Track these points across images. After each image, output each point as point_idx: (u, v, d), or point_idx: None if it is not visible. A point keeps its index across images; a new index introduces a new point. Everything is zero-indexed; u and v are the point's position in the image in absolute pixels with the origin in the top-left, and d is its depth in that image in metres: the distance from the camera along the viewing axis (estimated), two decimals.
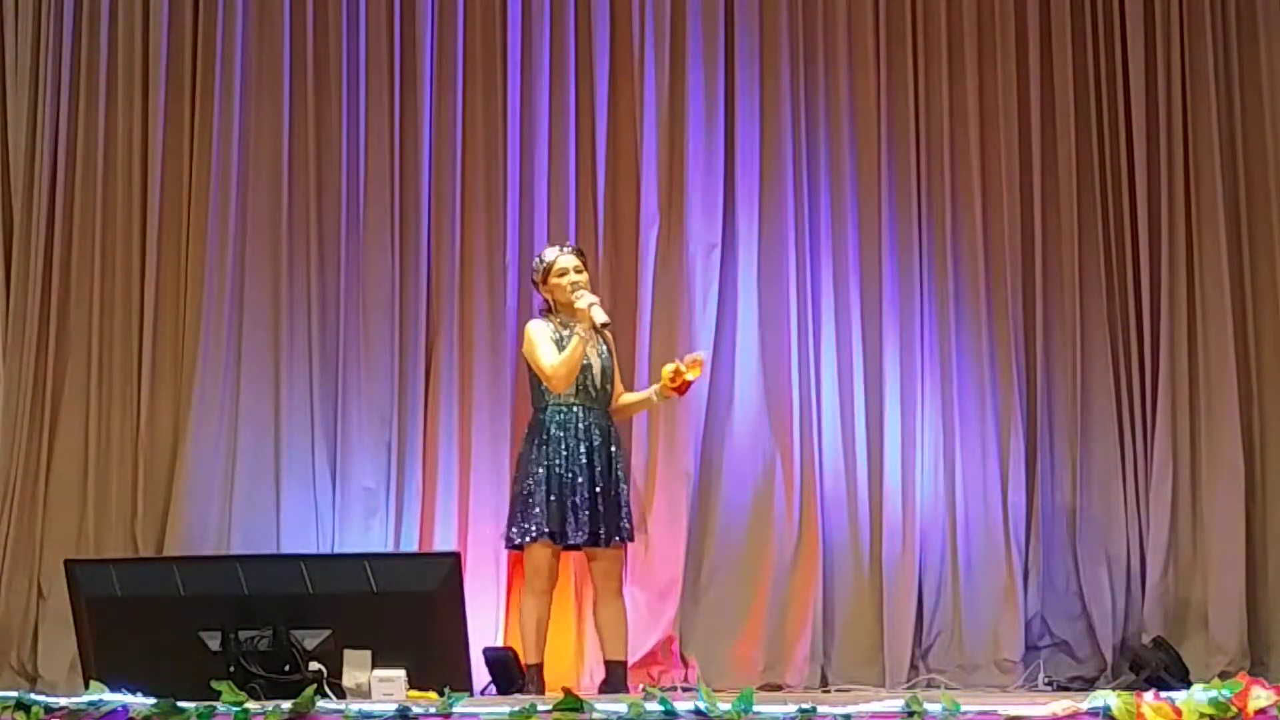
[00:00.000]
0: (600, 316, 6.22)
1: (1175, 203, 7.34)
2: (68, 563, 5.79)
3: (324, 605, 5.46)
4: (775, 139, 7.46)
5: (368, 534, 7.23)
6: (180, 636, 5.37)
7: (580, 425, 6.26)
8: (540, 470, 6.20)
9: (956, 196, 7.44)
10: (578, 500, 6.17)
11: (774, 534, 7.23)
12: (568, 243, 6.64)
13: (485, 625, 6.85)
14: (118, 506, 7.29)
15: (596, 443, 6.26)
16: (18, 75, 7.52)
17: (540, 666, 6.23)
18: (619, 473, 6.29)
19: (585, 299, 6.25)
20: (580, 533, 6.17)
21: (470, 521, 7.27)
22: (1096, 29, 7.46)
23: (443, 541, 7.16)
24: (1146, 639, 6.93)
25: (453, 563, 5.67)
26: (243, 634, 5.35)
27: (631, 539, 6.40)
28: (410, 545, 7.18)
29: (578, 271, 6.36)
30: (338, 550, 7.10)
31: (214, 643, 5.36)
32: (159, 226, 7.42)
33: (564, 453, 6.22)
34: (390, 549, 7.13)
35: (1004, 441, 7.28)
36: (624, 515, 6.28)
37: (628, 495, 6.35)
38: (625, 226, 7.47)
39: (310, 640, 5.38)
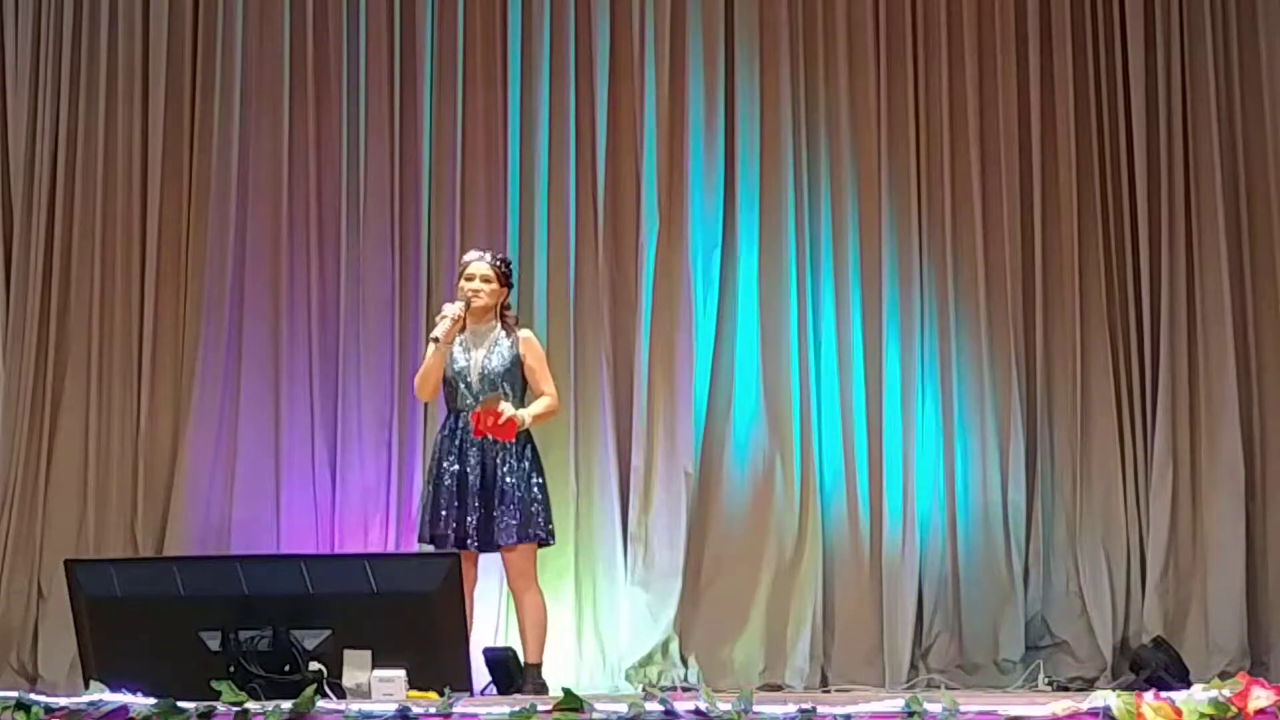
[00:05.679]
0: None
1: (1175, 203, 7.34)
2: (68, 563, 5.77)
3: (324, 605, 5.43)
4: (775, 139, 7.47)
5: (368, 534, 7.24)
6: (180, 636, 5.35)
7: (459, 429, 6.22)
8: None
9: (956, 196, 7.44)
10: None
11: (774, 534, 7.24)
12: (490, 251, 6.41)
13: (485, 625, 6.86)
14: (118, 506, 7.30)
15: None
16: (18, 75, 7.53)
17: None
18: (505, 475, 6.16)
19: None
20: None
21: None
22: (1096, 29, 7.47)
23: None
24: (1146, 639, 6.94)
25: (453, 563, 5.64)
26: (243, 634, 5.33)
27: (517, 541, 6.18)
28: (410, 545, 7.17)
29: (468, 279, 6.26)
30: (338, 550, 7.10)
31: (214, 643, 5.35)
32: (159, 226, 7.43)
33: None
34: (390, 549, 7.12)
35: (1004, 441, 7.28)
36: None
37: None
38: (625, 227, 7.47)
39: (310, 640, 5.36)
